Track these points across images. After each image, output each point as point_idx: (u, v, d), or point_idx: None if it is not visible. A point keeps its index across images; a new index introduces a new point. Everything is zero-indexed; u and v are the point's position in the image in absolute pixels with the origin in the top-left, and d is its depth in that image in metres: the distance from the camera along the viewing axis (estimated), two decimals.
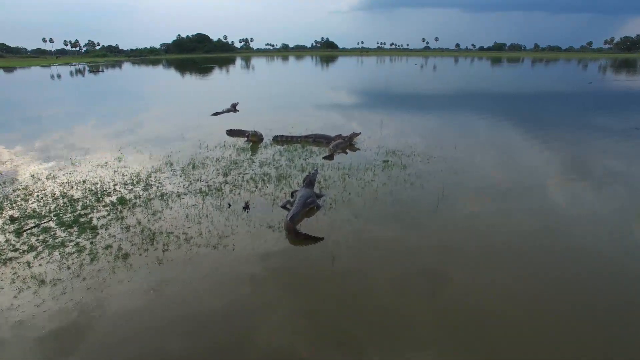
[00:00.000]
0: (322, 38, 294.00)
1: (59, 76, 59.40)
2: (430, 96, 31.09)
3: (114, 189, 10.01)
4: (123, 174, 11.18)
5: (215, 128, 17.42)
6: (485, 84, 42.26)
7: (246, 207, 8.70)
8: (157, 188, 10.05)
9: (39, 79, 54.99)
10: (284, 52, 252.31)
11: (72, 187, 10.22)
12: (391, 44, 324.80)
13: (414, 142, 14.47)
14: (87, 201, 9.22)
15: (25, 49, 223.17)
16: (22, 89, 42.23)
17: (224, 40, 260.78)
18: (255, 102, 27.20)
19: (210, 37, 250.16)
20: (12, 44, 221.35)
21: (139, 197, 9.42)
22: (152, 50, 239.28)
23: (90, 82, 49.82)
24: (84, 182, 10.64)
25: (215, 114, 21.42)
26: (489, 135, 16.22)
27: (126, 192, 9.82)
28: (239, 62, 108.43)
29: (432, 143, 14.45)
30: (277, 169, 11.37)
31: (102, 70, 72.25)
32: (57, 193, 9.78)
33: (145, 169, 11.61)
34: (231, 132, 16.18)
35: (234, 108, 22.92)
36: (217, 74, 61.31)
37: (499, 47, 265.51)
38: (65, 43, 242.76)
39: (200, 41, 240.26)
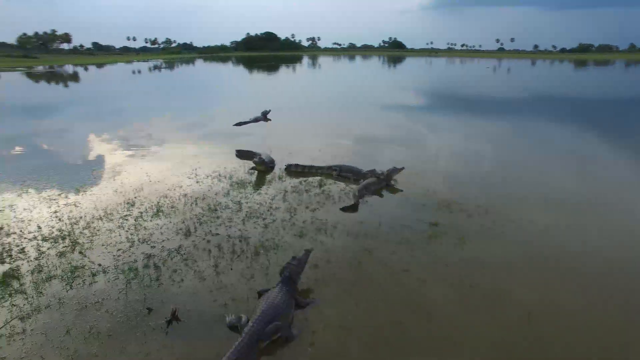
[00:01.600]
0: (390, 38, 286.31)
1: (139, 72, 67.12)
2: (501, 101, 26.51)
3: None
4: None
5: (230, 140, 14.15)
6: (569, 88, 35.77)
7: (173, 318, 5.05)
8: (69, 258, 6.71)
9: (122, 74, 62.89)
10: (350, 51, 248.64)
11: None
12: (462, 45, 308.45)
13: (481, 182, 10.10)
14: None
15: (114, 46, 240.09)
16: (109, 83, 48.68)
17: (292, 39, 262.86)
18: (313, 102, 26.67)
19: (278, 36, 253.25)
20: (103, 42, 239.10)
21: None
22: (223, 48, 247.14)
23: (165, 77, 55.82)
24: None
25: (239, 124, 18.11)
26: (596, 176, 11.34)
27: None
28: (305, 60, 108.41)
29: (508, 183, 10.06)
30: (265, 227, 7.59)
31: (163, 67, 74.61)
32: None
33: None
34: (241, 154, 12.73)
35: (264, 117, 19.54)
36: (283, 71, 61.49)
37: (584, 48, 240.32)
38: (146, 41, 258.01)
39: (268, 39, 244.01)
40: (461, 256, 6.57)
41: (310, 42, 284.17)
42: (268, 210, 8.36)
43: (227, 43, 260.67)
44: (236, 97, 31.92)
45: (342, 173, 10.59)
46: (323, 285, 5.81)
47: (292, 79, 50.58)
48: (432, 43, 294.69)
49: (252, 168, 11.02)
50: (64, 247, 6.89)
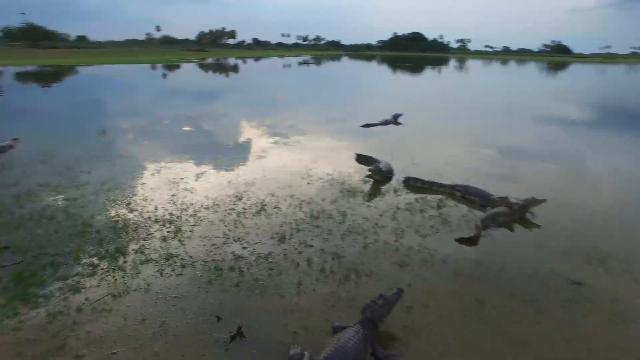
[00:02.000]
0: (553, 41, 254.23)
1: (289, 66, 74.66)
2: None
3: None
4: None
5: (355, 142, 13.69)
6: None
7: (237, 334, 4.66)
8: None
9: (274, 67, 71.14)
10: (504, 55, 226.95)
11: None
12: None
13: None
14: None
15: (270, 42, 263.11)
16: (263, 74, 56.51)
17: (440, 40, 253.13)
18: (454, 107, 25.12)
19: (426, 36, 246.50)
20: (262, 38, 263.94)
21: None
22: (368, 47, 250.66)
23: (312, 72, 61.31)
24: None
25: (367, 125, 17.52)
26: None
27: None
28: (451, 63, 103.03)
29: None
30: (364, 247, 6.78)
31: (310, 62, 79.00)
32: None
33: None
34: (360, 158, 12.11)
35: (394, 120, 18.60)
36: (426, 73, 59.96)
37: None
38: (298, 38, 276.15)
39: (415, 40, 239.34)
40: (615, 342, 4.83)
41: (459, 44, 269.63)
42: (373, 227, 7.54)
43: (374, 42, 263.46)
44: (376, 96, 31.98)
45: (468, 195, 9.15)
46: (412, 336, 4.78)
47: (434, 81, 48.31)
48: (609, 47, 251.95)
49: (368, 176, 10.28)
50: (168, 231, 7.14)
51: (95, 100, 25.23)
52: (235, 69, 65.13)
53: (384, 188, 9.75)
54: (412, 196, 9.22)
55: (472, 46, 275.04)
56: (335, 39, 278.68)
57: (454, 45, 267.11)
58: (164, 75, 49.54)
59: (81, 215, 7.72)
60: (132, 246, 6.63)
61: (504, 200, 8.35)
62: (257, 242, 6.84)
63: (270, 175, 10.37)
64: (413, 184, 9.91)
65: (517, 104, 28.48)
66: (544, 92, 38.01)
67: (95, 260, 6.17)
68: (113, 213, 7.87)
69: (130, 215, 7.79)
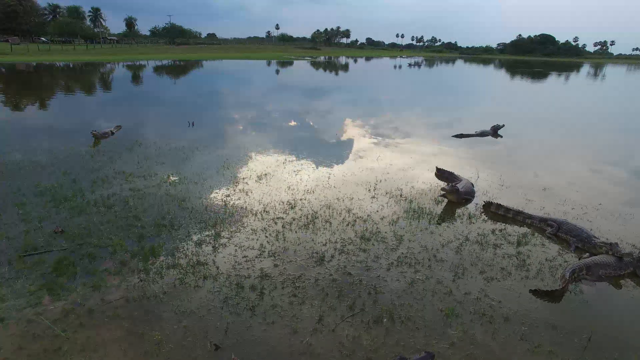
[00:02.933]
0: None
1: (399, 67, 74.13)
2: None
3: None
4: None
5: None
6: None
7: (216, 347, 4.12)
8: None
9: (384, 68, 71.58)
10: None
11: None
12: None
13: None
14: None
15: (383, 42, 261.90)
16: (372, 74, 57.13)
17: (573, 43, 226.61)
18: (575, 119, 22.13)
19: (556, 39, 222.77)
20: (375, 38, 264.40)
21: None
22: (487, 49, 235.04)
23: (422, 75, 60.20)
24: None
25: (460, 136, 15.83)
26: None
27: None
28: (585, 69, 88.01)
29: None
30: (410, 285, 5.70)
31: (422, 64, 76.41)
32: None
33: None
34: (441, 173, 10.79)
35: (494, 132, 16.56)
36: (550, 80, 53.54)
37: None
38: (412, 38, 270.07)
39: (542, 42, 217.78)
40: None
41: (598, 46, 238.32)
42: (429, 259, 6.41)
43: (493, 44, 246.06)
44: (484, 102, 29.81)
45: (561, 233, 7.42)
46: None
47: (556, 89, 42.61)
48: None
49: (442, 195, 9.00)
50: (206, 235, 6.90)
51: (212, 92, 27.65)
52: (345, 67, 66.57)
53: (458, 211, 8.43)
54: (489, 226, 7.78)
55: (615, 49, 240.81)
56: (452, 40, 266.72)
57: (592, 48, 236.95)
58: (277, 71, 52.10)
59: (136, 207, 7.89)
60: (167, 246, 6.49)
61: (611, 248, 6.55)
62: (291, 261, 6.21)
63: (335, 183, 9.69)
64: (494, 211, 8.40)
65: None
66: None
67: (127, 257, 6.13)
68: (165, 209, 7.91)
69: (179, 212, 7.75)
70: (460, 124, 18.39)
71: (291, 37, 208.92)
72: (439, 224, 7.76)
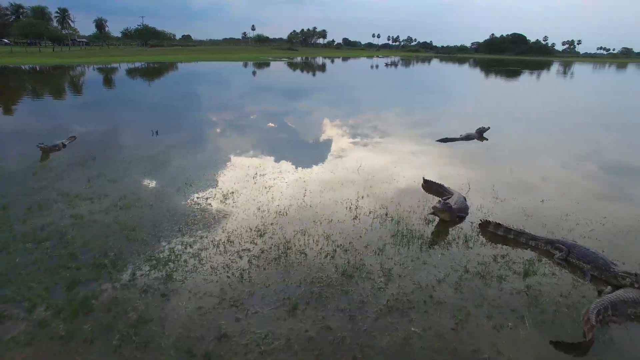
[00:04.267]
0: None
1: (376, 66, 73.83)
2: None
3: None
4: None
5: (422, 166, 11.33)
6: None
7: None
8: None
9: (361, 68, 70.40)
10: (622, 58, 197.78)
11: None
12: None
13: None
14: None
15: (360, 42, 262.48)
16: (349, 74, 56.00)
17: (543, 42, 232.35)
18: (552, 118, 21.82)
19: (527, 38, 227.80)
20: (352, 38, 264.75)
21: None
22: (461, 49, 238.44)
23: (399, 74, 59.99)
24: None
25: (444, 140, 14.90)
26: None
27: None
28: (554, 67, 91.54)
29: None
30: (405, 339, 4.59)
31: (399, 64, 76.47)
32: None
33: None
34: (429, 185, 9.77)
35: (479, 135, 15.72)
36: (522, 79, 54.32)
37: None
38: (388, 38, 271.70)
39: (514, 42, 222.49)
40: None
41: (566, 46, 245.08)
42: (425, 302, 5.31)
43: (468, 44, 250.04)
44: (462, 101, 29.40)
45: (572, 258, 6.45)
46: None
47: (534, 87, 42.82)
48: None
49: (432, 213, 7.94)
50: (156, 278, 5.62)
51: (186, 95, 26.30)
52: (322, 68, 65.78)
53: (452, 232, 7.38)
54: (489, 251, 6.75)
55: (582, 48, 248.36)
56: (427, 40, 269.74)
57: (560, 47, 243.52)
58: (254, 73, 50.70)
59: (74, 241, 6.54)
60: (104, 297, 5.19)
61: (637, 279, 5.58)
62: (257, 312, 5.01)
63: (312, 201, 8.52)
64: (493, 231, 7.39)
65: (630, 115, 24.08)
66: None
67: (48, 315, 4.81)
68: (110, 241, 6.59)
69: (126, 246, 6.44)
70: (440, 123, 18.59)
71: (267, 38, 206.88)
72: (432, 250, 6.68)
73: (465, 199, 8.56)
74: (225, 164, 11.12)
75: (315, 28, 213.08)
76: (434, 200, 8.71)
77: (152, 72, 45.04)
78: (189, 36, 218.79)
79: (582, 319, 5.02)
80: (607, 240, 7.21)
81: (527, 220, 7.95)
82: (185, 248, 6.48)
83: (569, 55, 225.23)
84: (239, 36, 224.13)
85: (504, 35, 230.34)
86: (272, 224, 7.42)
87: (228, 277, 5.73)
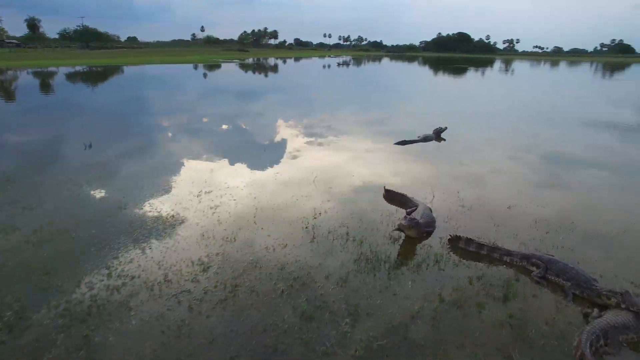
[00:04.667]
0: (613, 40, 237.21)
1: (328, 66, 73.34)
2: None
3: None
4: None
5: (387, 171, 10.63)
6: None
7: None
8: None
9: (314, 68, 69.89)
10: (555, 56, 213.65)
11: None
12: None
13: None
14: None
15: (312, 42, 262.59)
16: (301, 74, 54.92)
17: (486, 41, 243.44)
18: (496, 113, 22.89)
19: (471, 37, 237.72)
20: (303, 39, 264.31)
21: None
22: (411, 47, 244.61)
23: (351, 73, 60.16)
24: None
25: (402, 142, 14.38)
26: None
27: None
28: (497, 65, 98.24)
29: None
30: None
31: (350, 63, 76.83)
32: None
33: None
34: (391, 196, 9.06)
35: (437, 135, 15.36)
36: (469, 76, 56.29)
37: None
38: (340, 38, 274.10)
39: (459, 40, 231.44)
40: None
41: (506, 44, 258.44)
42: (398, 346, 4.51)
43: (416, 43, 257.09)
44: (414, 99, 30.45)
45: (551, 275, 5.91)
46: None
47: (478, 84, 44.25)
48: None
49: (398, 229, 7.20)
50: (69, 343, 4.48)
51: (131, 100, 24.24)
52: (274, 69, 64.41)
53: (420, 251, 6.68)
54: (463, 271, 6.09)
55: (520, 47, 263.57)
56: (377, 39, 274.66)
57: (501, 45, 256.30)
58: (205, 75, 48.66)
59: None
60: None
61: (624, 299, 5.07)
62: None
63: (263, 222, 7.55)
64: (464, 247, 6.76)
65: (564, 109, 25.86)
66: (596, 95, 34.80)
67: None
68: (13, 291, 5.30)
69: (33, 298, 5.20)
70: (394, 121, 19.30)
71: (218, 39, 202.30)
72: (401, 276, 5.91)
73: (431, 210, 7.92)
74: (167, 179, 9.89)
75: (266, 28, 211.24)
76: (398, 213, 8.06)
77: (95, 76, 41.83)
78: (135, 38, 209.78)
79: (574, 354, 4.41)
80: (599, 266, 6.78)
81: (497, 231, 7.43)
82: (112, 294, 5.33)
83: (509, 53, 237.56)
84: (188, 37, 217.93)
85: (450, 34, 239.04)
86: (217, 254, 6.38)
87: (163, 332, 4.67)
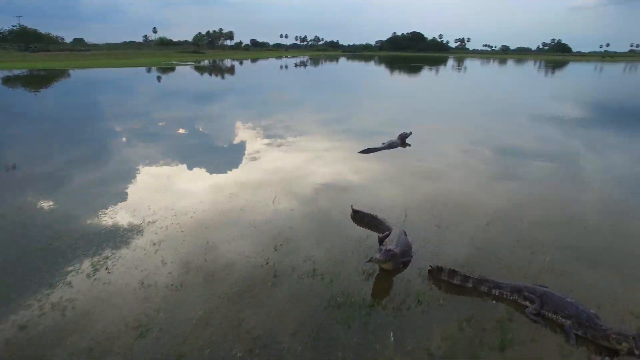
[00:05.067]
0: (553, 39, 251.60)
1: (286, 67, 72.66)
2: None
3: None
4: None
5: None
6: None
7: None
8: None
9: (271, 68, 69.10)
10: (502, 54, 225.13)
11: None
12: None
13: None
14: None
15: (268, 43, 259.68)
16: (259, 76, 53.74)
17: (439, 40, 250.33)
18: (452, 109, 24.19)
19: (425, 36, 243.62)
20: (260, 39, 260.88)
21: None
22: (367, 47, 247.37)
23: (309, 73, 60.12)
24: None
25: (367, 151, 13.60)
26: None
27: None
28: (450, 63, 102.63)
29: None
30: None
31: (308, 63, 76.26)
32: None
33: None
34: (360, 217, 8.17)
35: (402, 141, 14.74)
36: (424, 74, 58.32)
37: None
38: (296, 38, 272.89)
39: (414, 39, 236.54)
40: None
41: (458, 43, 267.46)
42: None
43: (372, 42, 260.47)
44: (371, 96, 31.94)
45: (547, 312, 5.23)
46: None
47: (433, 82, 45.03)
48: (607, 45, 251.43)
49: (372, 260, 6.33)
50: None
51: (82, 105, 21.64)
52: (231, 70, 62.77)
53: (398, 288, 5.86)
54: (449, 313, 5.30)
55: (470, 45, 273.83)
56: (334, 39, 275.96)
57: (453, 44, 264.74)
58: (159, 78, 46.09)
59: None
60: None
61: (637, 344, 4.42)
62: None
63: (215, 261, 6.45)
64: (447, 280, 5.99)
65: (513, 103, 28.15)
66: (540, 90, 37.20)
67: None
68: None
69: None
70: (355, 119, 19.93)
71: (171, 40, 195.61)
72: (381, 327, 5.03)
73: (405, 234, 7.11)
74: (103, 204, 8.54)
75: (221, 29, 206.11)
76: (369, 238, 7.20)
77: (37, 81, 38.44)
78: (81, 40, 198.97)
79: None
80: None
81: (479, 255, 6.72)
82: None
83: (461, 51, 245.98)
84: (140, 39, 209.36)
85: (405, 33, 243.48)
86: (159, 310, 5.25)
87: None
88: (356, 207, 8.25)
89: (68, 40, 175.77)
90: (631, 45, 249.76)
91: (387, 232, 7.12)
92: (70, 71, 48.75)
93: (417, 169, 11.68)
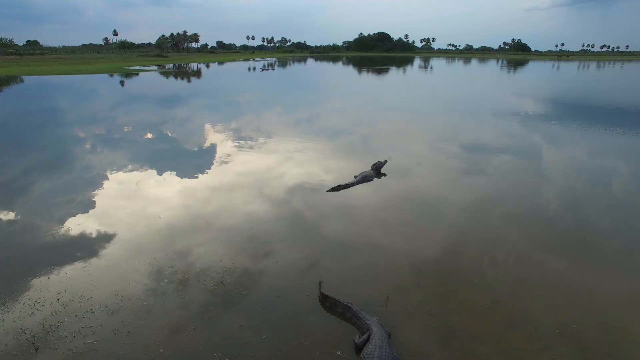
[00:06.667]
0: (513, 39, 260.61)
1: (253, 69, 73.02)
2: None
3: None
4: None
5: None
6: None
7: None
8: None
9: (239, 71, 69.35)
10: (466, 53, 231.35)
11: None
12: (602, 47, 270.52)
13: None
14: None
15: (235, 45, 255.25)
16: (226, 78, 53.98)
17: (405, 40, 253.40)
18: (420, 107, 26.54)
19: (391, 36, 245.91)
20: (226, 41, 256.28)
21: None
22: (334, 48, 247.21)
23: (277, 75, 59.97)
24: None
25: (337, 188, 11.93)
26: None
27: None
28: (416, 62, 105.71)
29: None
30: None
31: (276, 65, 75.17)
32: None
33: None
34: (332, 305, 6.47)
35: (376, 171, 13.22)
36: (391, 74, 60.05)
37: None
38: (263, 40, 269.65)
39: (380, 40, 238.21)
40: None
41: (423, 43, 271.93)
42: None
43: (339, 43, 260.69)
44: (340, 96, 33.11)
45: None
46: None
47: (400, 82, 45.32)
48: (562, 45, 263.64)
49: None
50: None
51: (34, 113, 18.95)
52: (197, 73, 61.25)
53: None
54: None
55: (435, 45, 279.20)
56: (301, 40, 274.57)
57: (419, 44, 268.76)
58: (122, 82, 43.26)
59: None
60: None
61: None
62: None
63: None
64: None
65: (478, 100, 30.35)
66: (502, 88, 41.06)
67: None
68: None
69: None
70: (319, 120, 20.86)
71: (133, 43, 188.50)
72: None
73: (389, 336, 5.58)
74: (69, 215, 6.79)
75: (185, 32, 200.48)
76: (342, 327, 5.63)
77: None
78: (36, 42, 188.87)
79: None
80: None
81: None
82: None
83: (427, 51, 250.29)
84: (100, 42, 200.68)
85: (371, 34, 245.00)
86: None
87: None
88: (325, 292, 6.62)
89: (20, 42, 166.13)
90: (582, 45, 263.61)
91: (366, 334, 5.56)
92: (24, 77, 45.22)
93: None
